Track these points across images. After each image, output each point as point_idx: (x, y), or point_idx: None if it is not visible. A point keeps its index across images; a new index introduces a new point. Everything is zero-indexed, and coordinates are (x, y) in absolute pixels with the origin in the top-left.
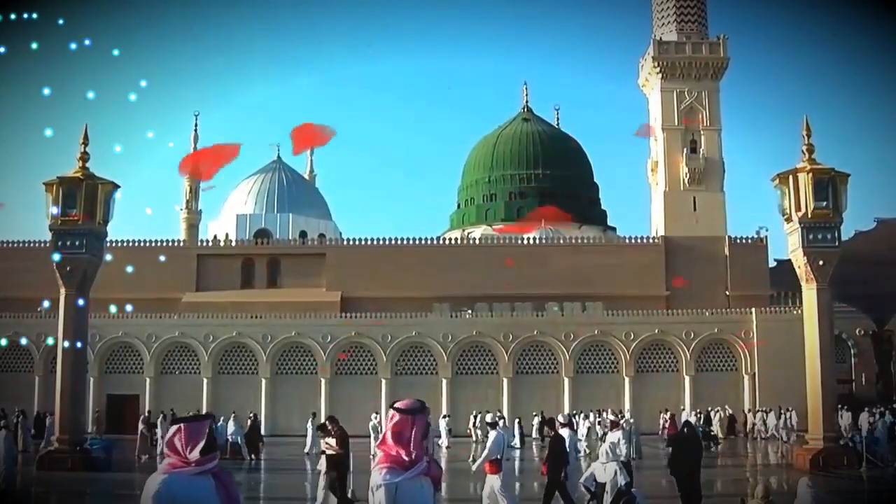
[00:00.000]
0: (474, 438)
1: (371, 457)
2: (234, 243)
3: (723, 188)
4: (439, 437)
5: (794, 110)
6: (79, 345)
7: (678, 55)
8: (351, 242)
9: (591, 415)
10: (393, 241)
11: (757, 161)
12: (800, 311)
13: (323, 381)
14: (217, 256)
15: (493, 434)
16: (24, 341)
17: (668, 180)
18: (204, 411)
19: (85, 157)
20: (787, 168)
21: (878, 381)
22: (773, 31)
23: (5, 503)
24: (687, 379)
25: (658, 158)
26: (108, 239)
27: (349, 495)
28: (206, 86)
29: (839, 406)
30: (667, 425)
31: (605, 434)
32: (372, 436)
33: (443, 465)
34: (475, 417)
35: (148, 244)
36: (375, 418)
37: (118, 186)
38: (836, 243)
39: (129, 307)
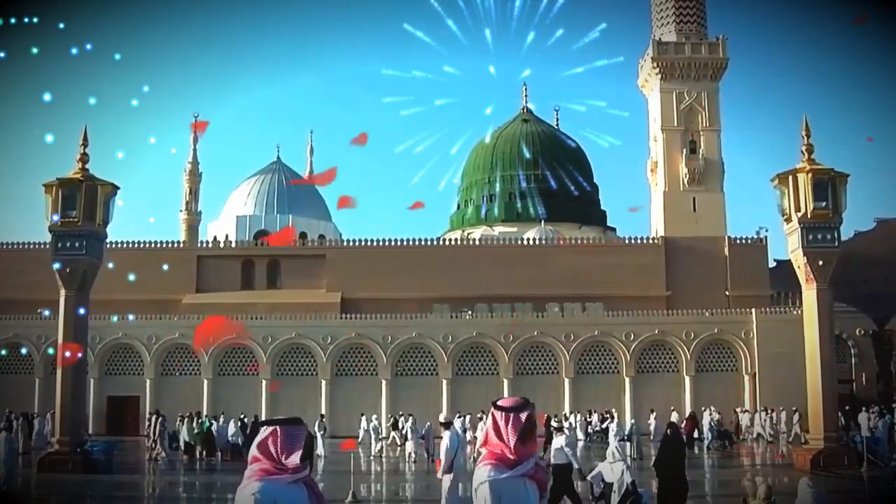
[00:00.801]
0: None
1: (377, 456)
2: (233, 244)
3: (722, 188)
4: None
5: (794, 110)
6: (80, 355)
7: (677, 56)
8: (351, 243)
9: (583, 415)
10: (393, 242)
11: (756, 161)
12: (800, 312)
13: (323, 382)
14: (217, 258)
15: (446, 434)
16: (24, 351)
17: (667, 181)
18: (205, 412)
19: (84, 158)
20: (786, 168)
21: (878, 380)
22: (773, 31)
23: None
24: (687, 379)
25: (658, 159)
26: (107, 241)
27: (350, 497)
28: (205, 86)
29: (861, 408)
30: (684, 425)
31: (591, 435)
32: (372, 437)
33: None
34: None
35: (148, 246)
36: (375, 419)
37: (118, 188)
38: (836, 243)
39: (130, 317)
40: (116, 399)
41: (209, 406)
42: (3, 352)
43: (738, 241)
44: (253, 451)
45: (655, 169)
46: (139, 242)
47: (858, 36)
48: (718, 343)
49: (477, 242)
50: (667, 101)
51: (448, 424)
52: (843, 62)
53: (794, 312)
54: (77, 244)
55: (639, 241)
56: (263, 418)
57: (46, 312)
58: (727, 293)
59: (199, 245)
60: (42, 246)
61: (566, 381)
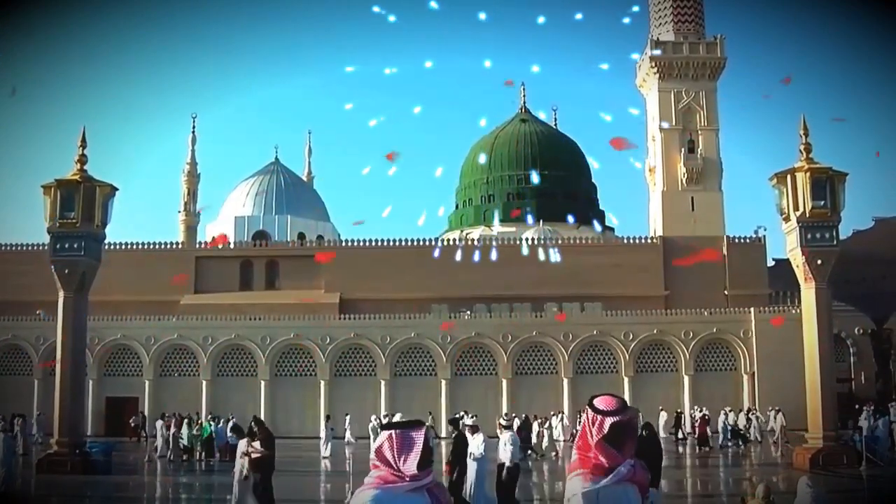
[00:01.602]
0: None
1: (371, 461)
2: (232, 245)
3: (721, 188)
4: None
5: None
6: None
7: (676, 55)
8: (349, 244)
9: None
10: (391, 243)
11: (755, 161)
12: (799, 311)
13: (322, 382)
14: (215, 258)
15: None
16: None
17: (666, 180)
18: (204, 413)
19: (83, 159)
20: (785, 167)
21: (877, 379)
22: (771, 30)
23: None
24: (686, 379)
25: (656, 159)
26: (106, 241)
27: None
28: (203, 87)
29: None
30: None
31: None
32: (371, 437)
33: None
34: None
35: (146, 247)
36: (374, 420)
37: (116, 189)
38: (835, 242)
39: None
40: (115, 400)
41: (208, 407)
42: None
43: (736, 241)
44: (371, 457)
45: (654, 169)
46: (138, 243)
47: (856, 35)
48: (717, 342)
49: (475, 243)
50: (665, 100)
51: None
52: (841, 61)
53: (793, 311)
54: (76, 245)
55: (637, 241)
56: (262, 418)
57: (42, 314)
58: (726, 292)
59: (197, 246)
60: (40, 247)
61: (565, 381)
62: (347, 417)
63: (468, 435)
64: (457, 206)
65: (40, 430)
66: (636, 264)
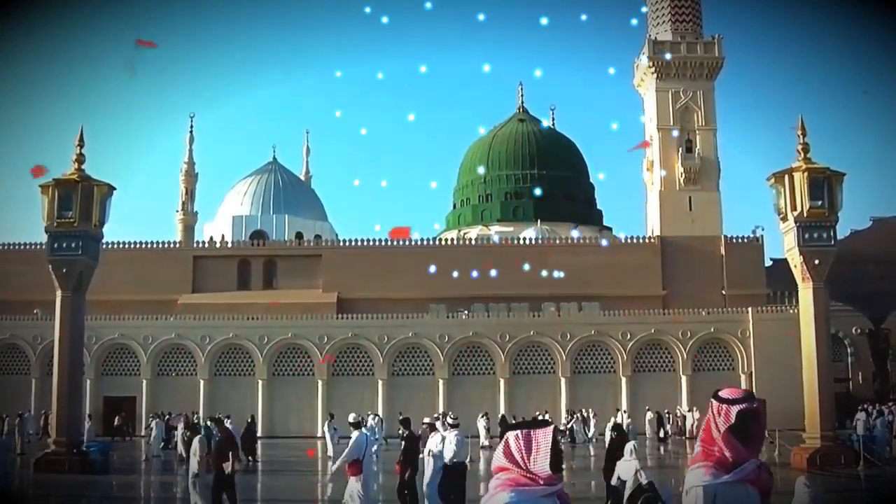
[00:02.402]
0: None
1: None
2: (230, 244)
3: (718, 188)
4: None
5: (790, 109)
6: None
7: (673, 55)
8: (347, 243)
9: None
10: (389, 242)
11: (752, 160)
12: (796, 311)
13: (320, 382)
14: (213, 258)
15: (355, 434)
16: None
17: (663, 180)
18: (202, 413)
19: (81, 158)
20: (782, 167)
21: (874, 379)
22: (768, 30)
23: None
24: (684, 378)
25: (654, 158)
26: (104, 241)
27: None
28: (203, 87)
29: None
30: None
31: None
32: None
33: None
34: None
35: (144, 246)
36: (374, 419)
37: (114, 188)
38: (832, 242)
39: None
40: (113, 399)
41: (206, 406)
42: None
43: (734, 241)
44: (498, 459)
45: (651, 168)
46: (135, 243)
47: (854, 34)
48: (715, 342)
49: (473, 242)
50: (663, 100)
51: (357, 425)
52: (839, 61)
53: (791, 311)
54: (73, 245)
55: (635, 241)
56: (259, 418)
57: (40, 313)
58: (723, 292)
59: (195, 245)
60: (38, 246)
61: (562, 380)
62: (372, 417)
63: (429, 433)
64: (454, 206)
65: (25, 428)
66: (634, 264)
